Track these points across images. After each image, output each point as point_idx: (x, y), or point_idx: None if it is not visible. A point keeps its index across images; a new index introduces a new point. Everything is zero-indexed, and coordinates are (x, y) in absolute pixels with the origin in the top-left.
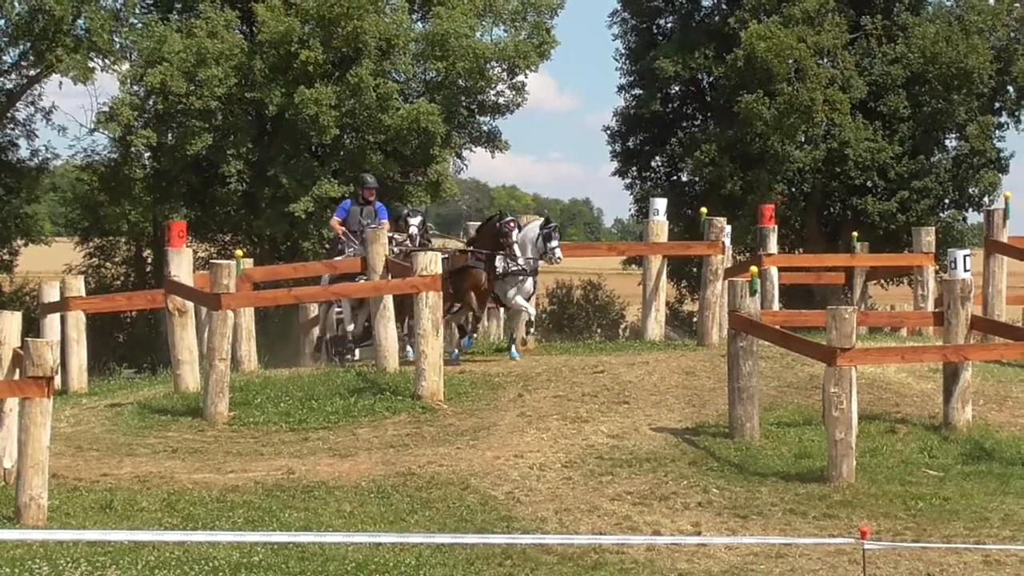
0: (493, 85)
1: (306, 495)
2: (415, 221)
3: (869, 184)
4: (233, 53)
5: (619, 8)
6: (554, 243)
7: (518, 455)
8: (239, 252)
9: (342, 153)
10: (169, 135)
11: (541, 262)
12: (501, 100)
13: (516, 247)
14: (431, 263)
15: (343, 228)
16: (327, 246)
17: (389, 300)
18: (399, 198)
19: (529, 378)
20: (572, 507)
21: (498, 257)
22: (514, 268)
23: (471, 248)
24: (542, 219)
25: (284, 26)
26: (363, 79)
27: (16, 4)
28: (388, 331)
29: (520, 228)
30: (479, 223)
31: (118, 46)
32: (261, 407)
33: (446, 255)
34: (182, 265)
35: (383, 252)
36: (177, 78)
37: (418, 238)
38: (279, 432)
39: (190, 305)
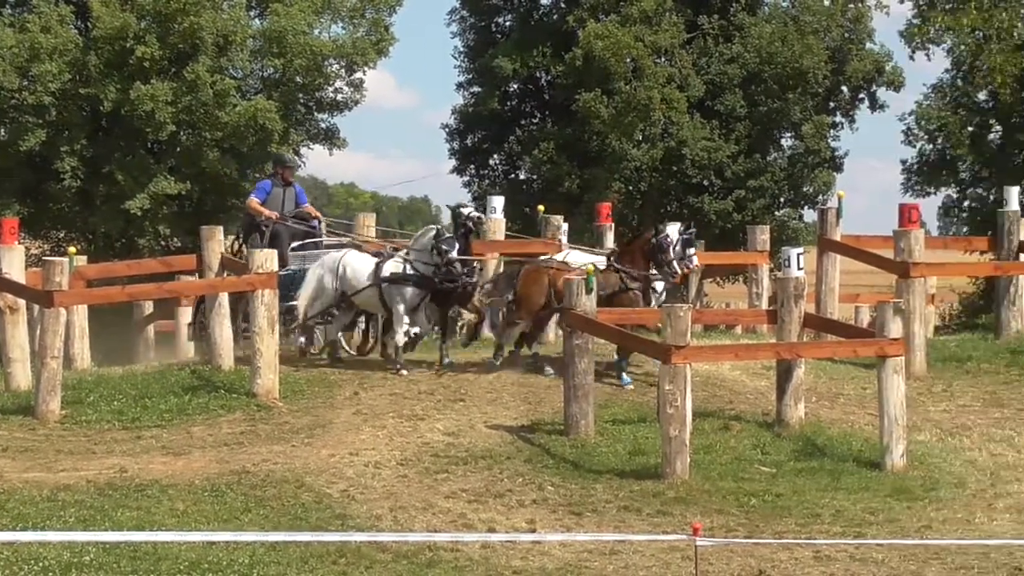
0: (331, 82)
1: (139, 494)
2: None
3: (706, 183)
4: (67, 48)
5: (458, 6)
6: (692, 249)
7: (353, 453)
8: (72, 249)
9: (179, 150)
10: (1, 130)
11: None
12: (339, 97)
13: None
14: (267, 261)
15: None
16: (239, 232)
17: (224, 298)
18: (236, 195)
19: (365, 376)
20: (407, 505)
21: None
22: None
23: (621, 268)
24: (679, 225)
25: (120, 21)
26: (200, 76)
27: None
28: (223, 329)
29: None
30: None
31: None
32: (94, 405)
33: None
34: (14, 262)
35: (218, 249)
36: (9, 73)
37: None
38: (112, 430)
39: (22, 303)
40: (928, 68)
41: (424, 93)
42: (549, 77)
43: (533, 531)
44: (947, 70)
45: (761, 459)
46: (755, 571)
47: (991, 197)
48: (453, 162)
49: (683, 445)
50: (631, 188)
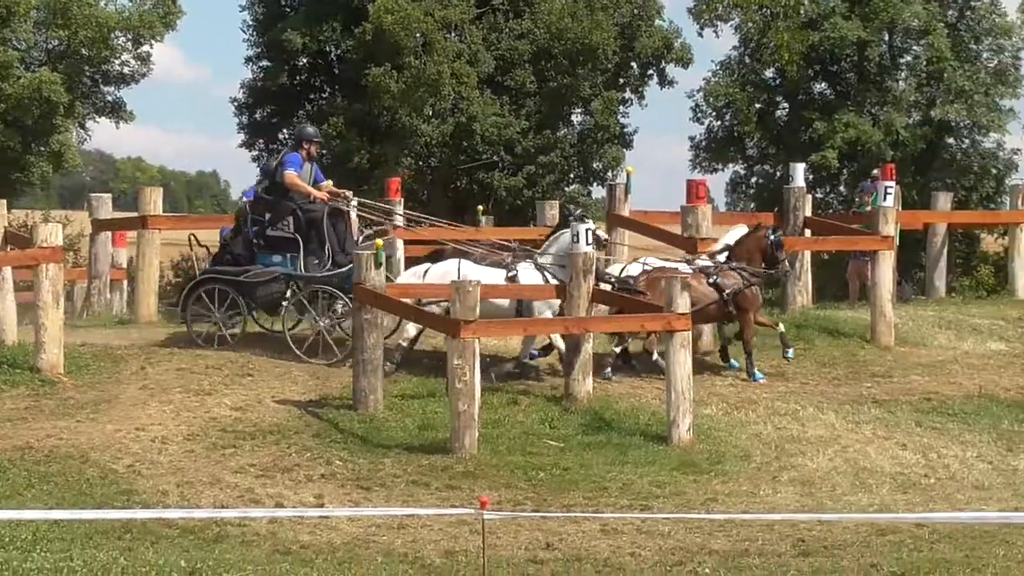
0: (118, 55)
1: None
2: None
3: (496, 158)
4: None
5: None
6: (782, 253)
7: (140, 428)
8: None
9: None
10: None
11: None
12: (126, 70)
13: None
14: (52, 235)
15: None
16: (246, 216)
17: (8, 272)
18: (20, 169)
19: (152, 351)
20: (194, 480)
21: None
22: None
23: (740, 267)
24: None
25: None
26: None
27: None
28: (6, 303)
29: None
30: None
31: None
32: None
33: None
34: None
35: (2, 223)
36: None
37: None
38: None
39: None
40: (716, 45)
41: (213, 67)
42: (339, 52)
43: (321, 506)
44: (735, 47)
45: (549, 433)
46: (543, 544)
47: (778, 173)
48: (242, 137)
49: (472, 420)
50: (421, 163)
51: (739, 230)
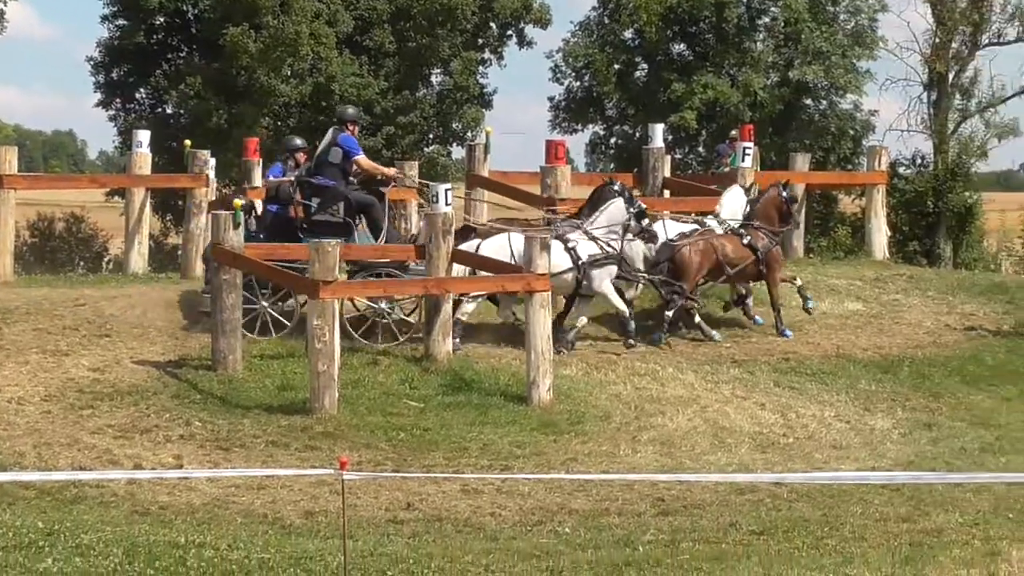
0: None
1: None
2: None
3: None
4: None
5: None
6: (795, 208)
7: None
8: None
9: None
10: None
11: None
12: None
13: None
14: None
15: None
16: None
17: None
18: None
19: (8, 311)
20: (52, 441)
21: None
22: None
23: (764, 227)
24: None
25: None
26: None
27: None
28: None
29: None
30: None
31: None
32: None
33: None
34: None
35: None
36: None
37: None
38: None
39: None
40: (575, 5)
41: (68, 26)
42: (196, 11)
43: (180, 467)
44: (594, 8)
45: (409, 394)
46: (403, 504)
47: (637, 134)
48: (98, 96)
49: (331, 380)
50: (280, 123)
51: (735, 192)
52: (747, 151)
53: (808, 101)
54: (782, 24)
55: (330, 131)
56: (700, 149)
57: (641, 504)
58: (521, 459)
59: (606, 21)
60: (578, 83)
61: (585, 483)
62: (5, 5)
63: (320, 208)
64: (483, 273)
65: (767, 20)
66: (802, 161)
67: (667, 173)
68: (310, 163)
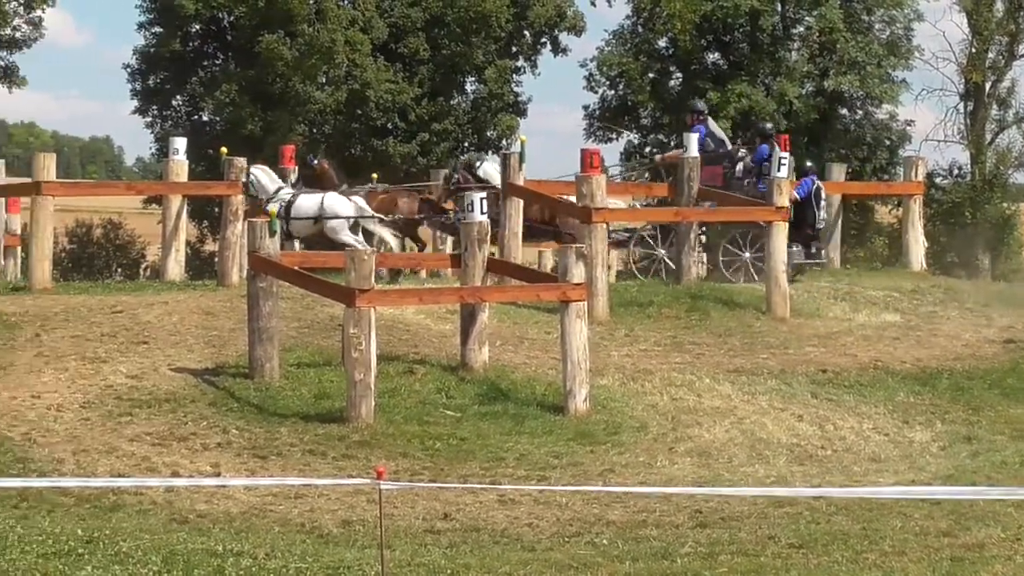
0: (9, 20)
1: None
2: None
3: (390, 126)
4: None
5: None
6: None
7: (35, 396)
8: None
9: None
10: None
11: None
12: (18, 35)
13: None
14: None
15: None
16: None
17: None
18: None
19: (47, 318)
20: (90, 448)
21: None
22: None
23: None
24: None
25: None
26: None
27: None
28: None
29: None
30: None
31: None
32: None
33: None
34: None
35: None
36: None
37: None
38: None
39: None
40: (609, 14)
41: (104, 33)
42: (232, 18)
43: (218, 475)
44: (628, 16)
45: (445, 403)
46: (440, 514)
47: (671, 143)
48: (135, 103)
49: (368, 389)
50: (315, 131)
51: None
52: (782, 161)
53: (843, 111)
54: (817, 34)
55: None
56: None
57: (678, 516)
58: (558, 469)
59: (640, 30)
60: (612, 92)
61: (622, 494)
62: (42, 12)
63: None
64: (516, 282)
65: (802, 30)
66: (838, 171)
67: None
68: None
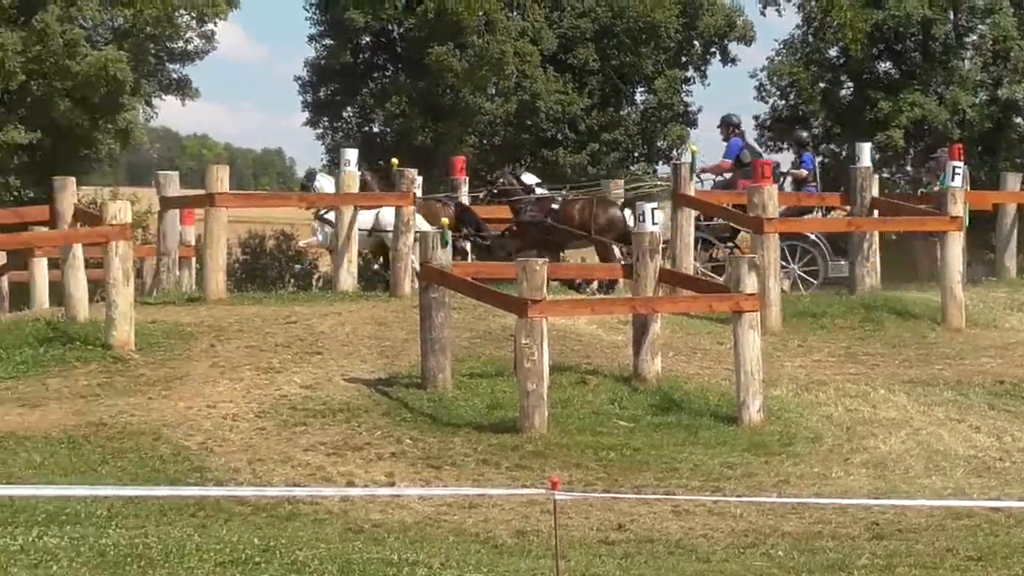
0: (182, 33)
1: None
2: None
3: (560, 136)
4: None
5: None
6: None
7: (211, 405)
8: None
9: (29, 99)
10: None
11: None
12: (191, 47)
13: None
14: (121, 212)
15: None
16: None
17: (79, 249)
18: (88, 146)
19: (221, 328)
20: (265, 457)
21: None
22: None
23: None
24: None
25: None
26: (49, 25)
27: None
28: (77, 280)
29: None
30: None
31: None
32: None
33: None
34: None
35: (71, 200)
36: None
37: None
38: None
39: None
40: (779, 23)
41: (275, 45)
42: (401, 30)
43: (392, 484)
44: (798, 26)
45: (618, 413)
46: (614, 525)
47: (843, 153)
48: (306, 115)
49: (541, 399)
50: (484, 142)
51: None
52: (956, 171)
53: (1018, 119)
54: (990, 42)
55: None
56: (908, 168)
57: (854, 528)
58: (732, 480)
59: (811, 39)
60: (783, 102)
61: (797, 505)
62: (215, 26)
63: None
64: (687, 292)
65: (974, 38)
66: (1013, 180)
67: (875, 193)
68: None
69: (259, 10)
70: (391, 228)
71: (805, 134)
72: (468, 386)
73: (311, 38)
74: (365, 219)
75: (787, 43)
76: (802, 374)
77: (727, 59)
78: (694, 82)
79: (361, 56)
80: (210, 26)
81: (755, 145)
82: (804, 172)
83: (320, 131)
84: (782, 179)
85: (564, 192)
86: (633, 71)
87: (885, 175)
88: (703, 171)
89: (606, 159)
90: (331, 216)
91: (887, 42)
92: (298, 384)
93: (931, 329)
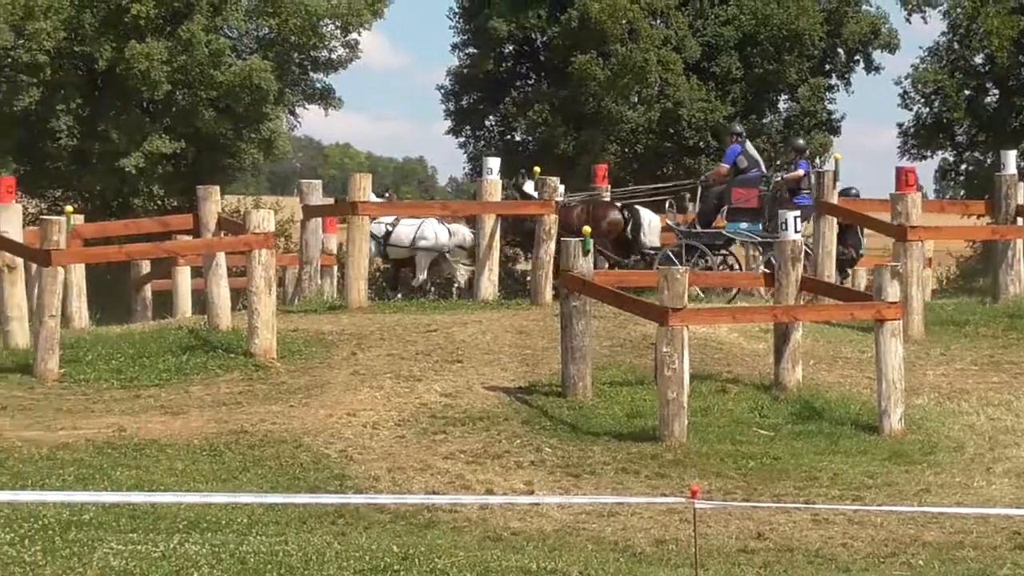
0: (326, 43)
1: (137, 453)
2: None
3: (702, 144)
4: (62, 6)
5: None
6: None
7: (351, 413)
8: (69, 208)
9: (174, 109)
10: None
11: None
12: (334, 56)
13: None
14: (264, 221)
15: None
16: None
17: (222, 258)
18: (231, 155)
19: (362, 336)
20: (405, 465)
21: None
22: None
23: None
24: None
25: None
26: (195, 35)
27: None
28: (220, 289)
29: None
30: None
31: None
32: (92, 364)
33: None
34: (11, 221)
35: (215, 209)
36: (4, 31)
37: None
38: (110, 389)
39: (20, 261)
40: (924, 31)
41: (418, 54)
42: (544, 39)
43: (531, 493)
44: (943, 33)
45: (759, 422)
46: (754, 534)
47: (988, 161)
48: (448, 123)
49: (681, 407)
50: (627, 150)
51: None
52: None
53: None
54: None
55: None
56: None
57: (996, 537)
58: (872, 489)
59: (956, 46)
60: (927, 109)
61: (938, 515)
62: (358, 35)
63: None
64: (828, 300)
65: None
66: None
67: (1021, 200)
68: None
69: (402, 19)
70: (406, 243)
71: (802, 142)
72: (608, 394)
73: (454, 47)
74: (407, 233)
75: (932, 50)
76: (944, 383)
77: (871, 67)
78: (838, 90)
79: (504, 65)
80: (354, 35)
81: (754, 153)
82: (800, 172)
83: (462, 139)
84: (774, 184)
85: (562, 198)
86: (776, 79)
87: None
88: (704, 178)
89: None
90: (376, 229)
91: None
92: (438, 392)
93: None
